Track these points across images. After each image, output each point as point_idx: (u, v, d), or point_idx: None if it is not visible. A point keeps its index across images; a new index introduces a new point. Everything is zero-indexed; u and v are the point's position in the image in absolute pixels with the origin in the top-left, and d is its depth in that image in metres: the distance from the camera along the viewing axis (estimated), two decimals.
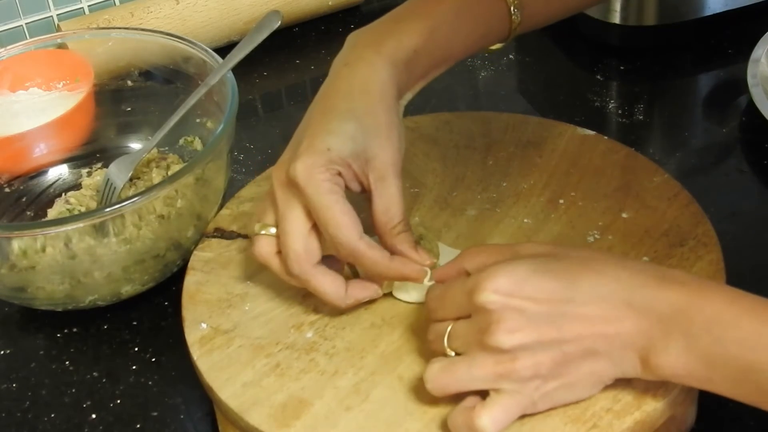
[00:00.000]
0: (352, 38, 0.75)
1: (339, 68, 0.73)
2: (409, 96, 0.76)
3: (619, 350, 0.61)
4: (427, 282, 0.71)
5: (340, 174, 0.69)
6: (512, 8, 0.77)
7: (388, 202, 0.70)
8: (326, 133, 0.70)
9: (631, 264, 0.63)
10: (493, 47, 0.81)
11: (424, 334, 0.70)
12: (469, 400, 0.63)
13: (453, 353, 0.64)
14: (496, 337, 0.61)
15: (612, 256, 0.66)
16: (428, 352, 0.68)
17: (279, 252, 0.71)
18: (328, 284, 0.70)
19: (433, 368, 0.64)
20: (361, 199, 0.72)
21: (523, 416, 0.63)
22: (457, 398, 0.64)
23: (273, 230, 0.71)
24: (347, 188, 0.70)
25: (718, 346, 0.58)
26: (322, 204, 0.68)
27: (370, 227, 0.71)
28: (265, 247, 0.71)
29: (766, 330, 0.57)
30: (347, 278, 0.72)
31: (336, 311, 0.73)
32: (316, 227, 0.70)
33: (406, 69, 0.73)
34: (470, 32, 0.77)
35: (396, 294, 0.74)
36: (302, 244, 0.69)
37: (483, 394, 0.63)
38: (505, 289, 0.62)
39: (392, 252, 0.71)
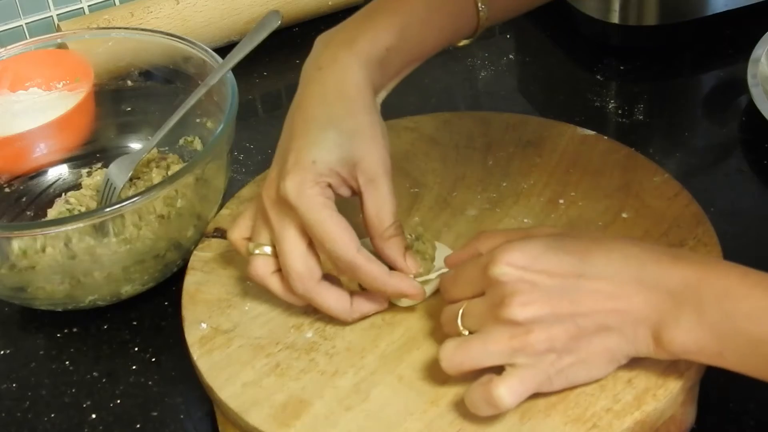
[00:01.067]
0: (323, 39, 0.74)
1: (312, 72, 0.72)
2: (383, 95, 0.75)
3: (632, 326, 0.62)
4: (431, 285, 0.71)
5: (330, 186, 0.69)
6: (479, 4, 0.78)
7: (379, 204, 0.70)
8: (309, 145, 0.69)
9: (642, 243, 0.64)
10: (461, 43, 0.81)
11: (424, 335, 0.70)
12: (485, 378, 0.63)
13: (467, 332, 0.65)
14: (511, 309, 0.61)
15: (624, 237, 0.66)
16: (428, 352, 0.68)
17: (276, 271, 0.71)
18: (333, 300, 0.70)
19: (448, 347, 0.64)
20: (354, 203, 0.72)
21: (523, 416, 0.63)
22: (451, 399, 0.64)
23: (268, 249, 0.71)
24: (338, 195, 0.70)
25: (729, 319, 0.59)
26: (315, 220, 0.68)
27: (364, 231, 0.71)
28: (261, 268, 0.71)
29: None
30: (353, 290, 0.72)
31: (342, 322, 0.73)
32: (313, 244, 0.70)
33: (380, 68, 0.73)
34: (441, 28, 0.77)
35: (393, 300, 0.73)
36: (303, 263, 0.69)
37: (498, 372, 0.63)
38: (519, 262, 0.62)
39: (381, 255, 0.71)
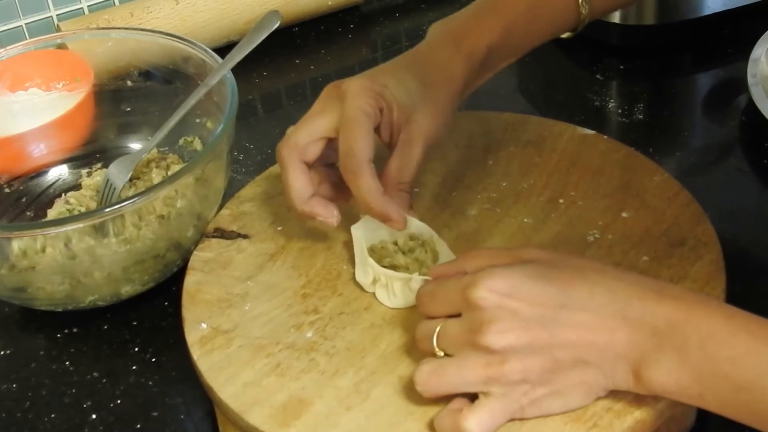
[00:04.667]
0: (435, 28, 0.81)
1: (422, 47, 0.79)
2: (473, 89, 0.81)
3: (611, 361, 0.61)
4: (415, 283, 0.71)
5: (381, 112, 0.73)
6: (581, 0, 0.81)
7: (405, 163, 0.74)
8: (391, 75, 0.75)
9: (628, 276, 0.63)
10: (564, 35, 0.85)
11: None
12: (456, 402, 0.63)
13: (441, 353, 0.64)
14: (487, 337, 0.61)
15: (610, 267, 0.66)
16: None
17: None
18: (299, 180, 0.74)
19: (423, 370, 0.63)
20: None
21: (523, 417, 0.63)
22: (449, 398, 0.64)
23: None
24: (379, 137, 0.75)
25: (711, 363, 0.57)
26: (351, 117, 0.72)
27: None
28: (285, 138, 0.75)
29: (761, 349, 0.56)
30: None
31: (336, 310, 0.73)
32: (331, 142, 0.74)
33: (480, 64, 0.78)
34: (543, 26, 0.82)
35: (379, 298, 0.73)
36: (305, 139, 0.74)
37: (471, 397, 0.63)
38: (500, 289, 0.62)
39: None
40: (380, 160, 0.74)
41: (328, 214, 0.74)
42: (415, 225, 0.75)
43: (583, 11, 0.82)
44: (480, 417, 0.61)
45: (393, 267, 0.73)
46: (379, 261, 0.74)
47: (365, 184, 0.71)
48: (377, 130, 0.74)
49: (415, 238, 0.75)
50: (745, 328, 0.58)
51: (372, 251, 0.75)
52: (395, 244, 0.75)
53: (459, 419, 0.61)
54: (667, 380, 0.59)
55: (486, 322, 0.61)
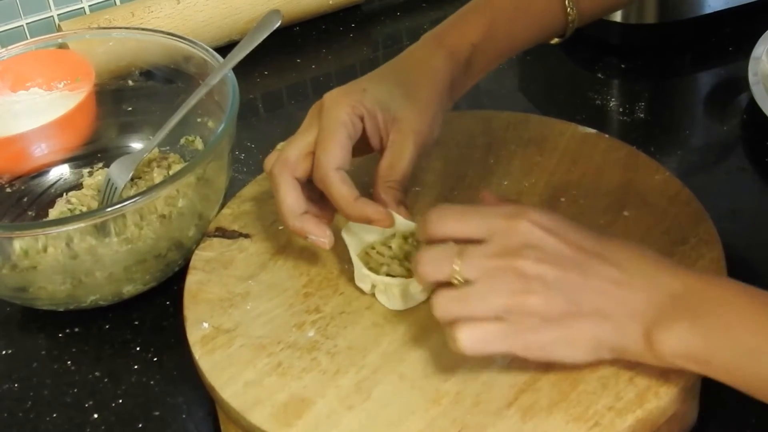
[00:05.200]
0: (424, 35, 0.81)
1: (404, 51, 0.80)
2: (463, 91, 0.80)
3: (627, 318, 0.62)
4: (414, 286, 0.71)
5: (362, 120, 0.73)
6: (567, 2, 0.81)
7: (396, 160, 0.74)
8: (369, 79, 0.76)
9: (654, 251, 0.65)
10: (553, 41, 0.85)
11: (425, 333, 0.70)
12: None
13: (460, 279, 0.63)
14: (524, 261, 0.61)
15: None
16: (430, 351, 0.68)
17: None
18: (290, 195, 0.73)
19: (443, 296, 0.63)
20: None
21: (525, 414, 0.63)
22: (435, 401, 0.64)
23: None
24: (365, 138, 0.74)
25: (723, 327, 0.59)
26: (325, 127, 0.73)
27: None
28: (271, 157, 0.76)
29: None
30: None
31: (337, 309, 0.73)
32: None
33: (466, 64, 0.78)
34: (528, 26, 0.81)
35: (380, 300, 0.73)
36: (294, 155, 0.73)
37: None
38: (545, 224, 0.63)
39: (377, 201, 0.73)
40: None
41: (320, 234, 0.73)
42: (406, 224, 0.74)
43: (571, 13, 0.81)
44: (477, 334, 0.62)
45: (390, 273, 0.73)
46: (377, 269, 0.73)
47: (335, 191, 0.71)
48: (367, 138, 0.75)
49: (407, 237, 0.75)
50: (759, 298, 0.60)
51: (368, 255, 0.75)
52: (389, 248, 0.75)
53: (456, 328, 0.62)
54: (678, 343, 0.60)
55: (525, 247, 0.62)
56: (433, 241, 0.65)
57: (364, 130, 0.74)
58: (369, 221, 0.72)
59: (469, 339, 0.62)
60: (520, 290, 0.61)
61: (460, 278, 0.63)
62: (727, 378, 0.60)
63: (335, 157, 0.72)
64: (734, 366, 0.59)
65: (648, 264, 0.63)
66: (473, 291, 0.62)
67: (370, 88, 0.74)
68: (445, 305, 0.63)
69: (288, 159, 0.73)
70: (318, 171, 0.72)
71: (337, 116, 0.72)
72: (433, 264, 0.64)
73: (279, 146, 0.77)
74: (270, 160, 0.75)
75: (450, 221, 0.65)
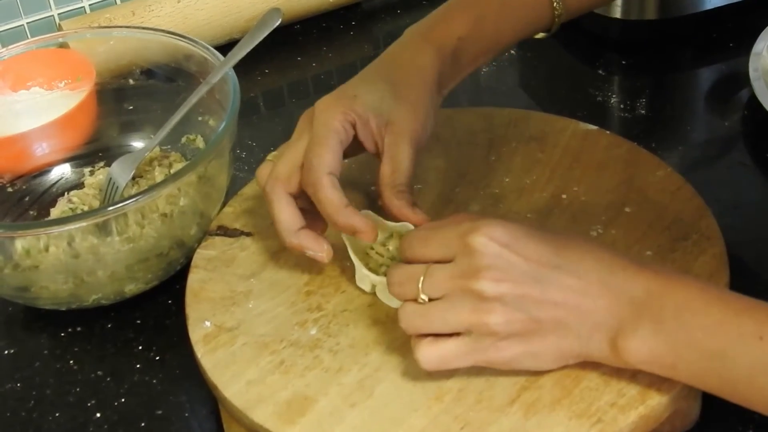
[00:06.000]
0: (408, 29, 0.80)
1: (389, 48, 0.79)
2: (452, 85, 0.80)
3: (589, 328, 0.62)
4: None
5: (354, 126, 0.73)
6: None
7: (396, 165, 0.73)
8: (358, 84, 0.75)
9: (612, 250, 0.65)
10: (538, 36, 0.85)
11: None
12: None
13: (425, 298, 0.64)
14: (482, 282, 0.62)
15: (596, 241, 0.68)
16: None
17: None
18: (285, 212, 0.73)
19: (407, 310, 0.64)
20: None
21: (528, 411, 0.63)
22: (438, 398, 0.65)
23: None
24: (359, 144, 0.74)
25: (685, 331, 0.59)
26: (316, 134, 0.72)
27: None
28: (263, 169, 0.75)
29: (733, 318, 0.58)
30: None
31: (339, 307, 0.73)
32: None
33: (453, 57, 0.78)
34: (515, 20, 0.81)
35: (381, 299, 0.73)
36: (286, 170, 0.73)
37: None
38: (500, 238, 0.63)
39: (390, 210, 0.73)
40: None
41: (318, 248, 0.73)
42: (403, 226, 0.73)
43: (558, 8, 0.81)
44: (435, 353, 0.63)
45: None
46: (376, 269, 0.73)
47: (324, 196, 0.71)
48: (361, 144, 0.74)
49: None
50: (720, 298, 0.60)
51: (368, 256, 0.75)
52: (388, 249, 0.75)
53: (417, 344, 0.64)
54: (642, 349, 0.60)
55: (483, 268, 0.62)
56: (409, 262, 0.67)
57: (356, 136, 0.74)
58: (354, 232, 0.71)
59: (427, 356, 0.63)
60: (481, 308, 0.62)
61: (424, 297, 0.64)
62: (696, 382, 0.60)
63: (327, 162, 0.71)
64: (700, 370, 0.59)
65: (607, 270, 0.62)
66: (434, 307, 0.64)
67: (360, 94, 0.74)
68: (408, 318, 0.65)
69: (280, 175, 0.73)
70: (309, 175, 0.71)
71: (329, 123, 0.72)
72: (401, 285, 0.66)
73: (270, 156, 0.77)
74: (262, 174, 0.75)
75: (416, 246, 0.67)
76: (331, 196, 0.71)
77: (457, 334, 0.63)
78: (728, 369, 0.58)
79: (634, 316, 0.60)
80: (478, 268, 0.62)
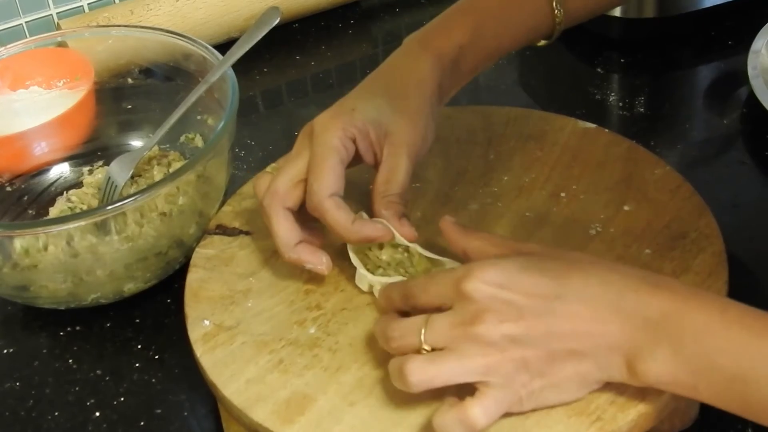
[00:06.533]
0: (408, 37, 0.80)
1: (388, 58, 0.79)
2: (452, 93, 0.80)
3: (605, 353, 0.60)
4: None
5: (354, 141, 0.73)
6: (555, 4, 0.80)
7: (392, 174, 0.73)
8: (356, 97, 0.75)
9: (624, 269, 0.63)
10: (540, 43, 0.84)
11: None
12: (452, 399, 0.62)
13: (429, 349, 0.62)
14: (482, 327, 0.60)
15: (605, 260, 0.66)
16: None
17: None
18: (283, 227, 0.73)
19: (417, 361, 0.62)
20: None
21: (521, 409, 0.63)
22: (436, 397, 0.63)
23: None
24: (358, 157, 0.74)
25: (705, 355, 0.57)
26: (317, 153, 0.72)
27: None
28: (262, 182, 0.75)
29: (754, 341, 0.56)
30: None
31: (338, 306, 0.73)
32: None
33: (453, 66, 0.77)
34: (515, 27, 0.81)
35: (377, 297, 0.73)
36: (285, 185, 0.73)
37: (461, 394, 0.62)
38: (494, 280, 0.61)
39: (378, 217, 0.73)
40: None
41: (317, 261, 0.73)
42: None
43: (558, 15, 0.81)
44: (486, 404, 0.60)
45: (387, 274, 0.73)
46: (374, 270, 0.73)
47: (330, 218, 0.71)
48: (361, 156, 0.74)
49: (397, 246, 0.74)
50: (740, 320, 0.58)
51: (366, 256, 0.75)
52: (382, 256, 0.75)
53: (464, 408, 0.60)
54: (662, 372, 0.59)
55: (480, 313, 0.61)
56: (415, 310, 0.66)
57: (357, 150, 0.74)
58: (369, 241, 0.72)
59: (483, 414, 0.60)
60: (493, 351, 0.60)
61: (427, 348, 0.63)
62: (718, 403, 0.59)
63: (328, 184, 0.71)
64: (722, 392, 0.58)
65: (615, 292, 0.60)
66: (446, 356, 0.61)
67: (358, 107, 0.74)
68: (420, 369, 0.61)
69: (278, 190, 0.73)
70: (312, 199, 0.71)
71: (329, 142, 0.72)
72: (402, 338, 0.64)
73: (269, 168, 0.77)
74: (261, 187, 0.74)
75: (418, 296, 0.66)
76: (337, 218, 0.71)
77: (473, 389, 0.61)
78: (751, 392, 0.56)
79: (650, 339, 0.59)
80: (476, 314, 0.61)
